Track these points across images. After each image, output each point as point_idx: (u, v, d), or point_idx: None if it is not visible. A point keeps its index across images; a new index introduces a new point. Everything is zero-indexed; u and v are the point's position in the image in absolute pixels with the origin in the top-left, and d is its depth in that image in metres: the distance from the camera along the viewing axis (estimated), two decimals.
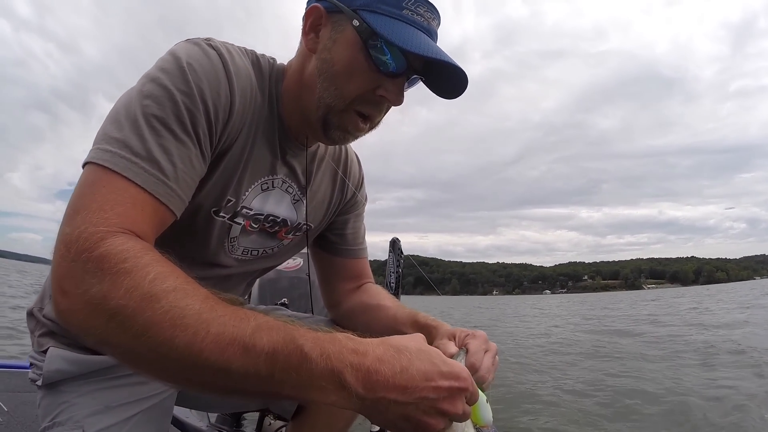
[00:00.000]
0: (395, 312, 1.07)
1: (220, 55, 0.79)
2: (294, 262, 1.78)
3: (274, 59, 0.95)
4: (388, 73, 0.83)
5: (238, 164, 0.86)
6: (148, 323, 0.52)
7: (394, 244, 2.55)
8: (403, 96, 0.87)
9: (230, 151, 0.84)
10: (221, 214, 0.88)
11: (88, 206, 0.62)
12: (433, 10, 0.85)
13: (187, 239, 0.88)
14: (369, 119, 0.89)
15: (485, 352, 0.80)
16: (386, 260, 2.68)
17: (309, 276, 1.31)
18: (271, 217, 0.98)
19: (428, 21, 0.83)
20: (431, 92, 0.92)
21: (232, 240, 0.94)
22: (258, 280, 1.71)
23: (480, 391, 0.64)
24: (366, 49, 0.81)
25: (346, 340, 0.54)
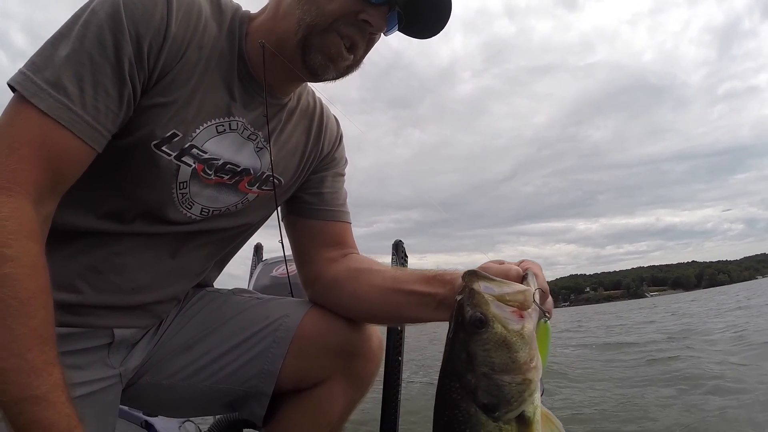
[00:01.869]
0: (394, 272, 0.98)
1: None
2: (290, 268, 1.47)
3: (238, 5, 0.92)
4: (371, 0, 0.81)
5: (180, 93, 0.80)
6: None
7: (398, 246, 2.16)
8: (385, 22, 0.85)
9: (168, 77, 0.79)
10: (164, 148, 0.81)
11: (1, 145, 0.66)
12: None
13: (129, 182, 0.82)
14: (351, 49, 0.86)
15: None
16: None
17: (282, 243, 1.11)
18: (229, 165, 0.90)
19: None
20: (410, 36, 0.94)
21: (182, 186, 0.85)
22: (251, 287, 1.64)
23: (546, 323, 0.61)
24: None
25: None
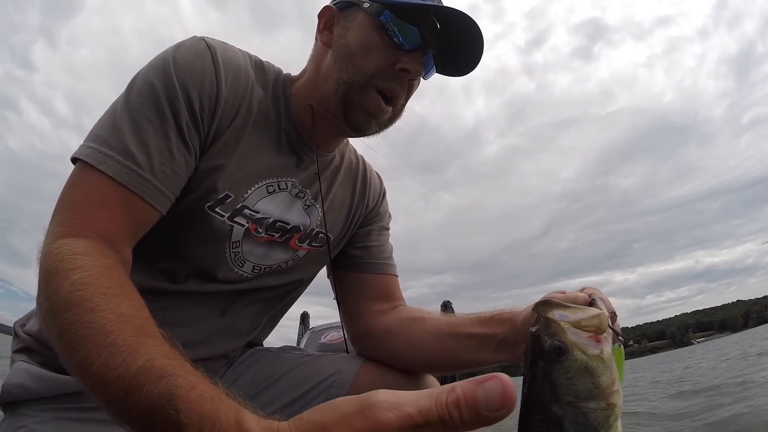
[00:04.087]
0: (448, 318, 0.96)
1: (209, 46, 0.81)
2: (338, 334, 1.62)
3: (280, 68, 0.96)
4: (404, 48, 0.84)
5: (232, 155, 0.83)
6: (61, 330, 0.52)
7: (446, 306, 2.18)
8: (422, 67, 0.87)
9: (221, 140, 0.82)
10: (217, 210, 0.84)
11: (62, 207, 0.67)
12: None
13: (183, 242, 0.84)
14: (391, 100, 0.88)
15: None
16: None
17: (337, 300, 1.10)
18: (279, 223, 0.92)
19: None
20: (448, 76, 0.96)
21: (235, 246, 0.87)
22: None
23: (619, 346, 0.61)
24: (379, 25, 0.84)
25: (234, 427, 0.41)
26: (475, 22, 0.84)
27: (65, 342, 0.51)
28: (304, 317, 2.04)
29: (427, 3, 0.84)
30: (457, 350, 0.91)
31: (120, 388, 0.45)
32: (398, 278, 1.11)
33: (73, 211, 0.65)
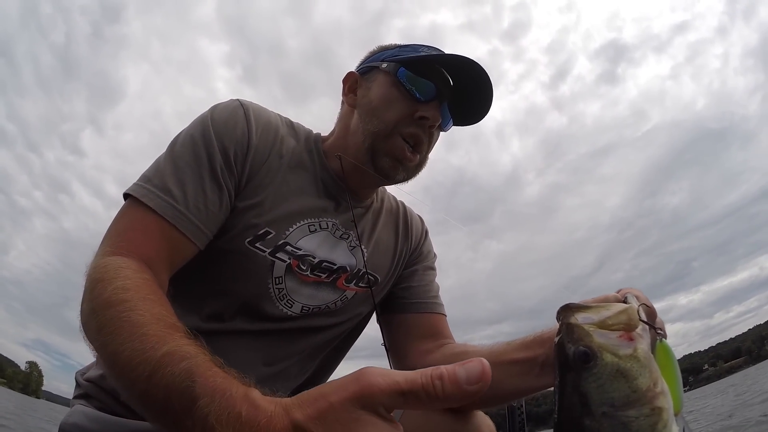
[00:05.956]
0: (492, 347, 0.92)
1: (242, 104, 0.92)
2: None
3: (310, 129, 1.05)
4: (421, 99, 0.92)
5: (267, 194, 0.89)
6: (100, 325, 0.58)
7: None
8: (439, 114, 0.93)
9: (254, 181, 0.89)
10: (258, 245, 0.87)
11: (110, 233, 0.76)
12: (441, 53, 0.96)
13: (227, 279, 0.88)
14: (416, 148, 0.94)
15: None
16: None
17: (386, 346, 1.08)
18: (325, 263, 0.94)
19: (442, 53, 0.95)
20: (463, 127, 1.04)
21: (278, 281, 0.89)
22: None
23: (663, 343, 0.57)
24: (397, 81, 0.93)
25: (242, 398, 0.46)
26: (481, 67, 0.92)
27: (103, 334, 0.57)
28: None
29: (436, 54, 0.93)
30: (500, 379, 0.84)
31: (146, 369, 0.50)
32: (446, 317, 1.10)
33: (119, 236, 0.74)
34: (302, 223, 0.92)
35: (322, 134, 1.05)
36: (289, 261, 0.91)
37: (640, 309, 0.56)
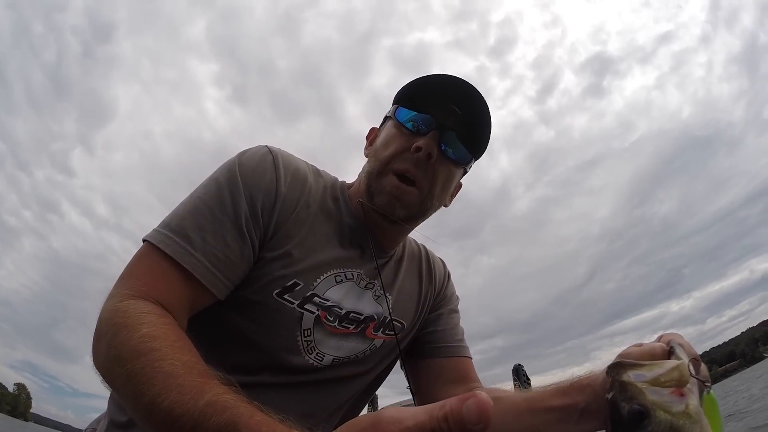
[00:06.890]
0: (524, 394, 0.91)
1: (271, 151, 0.90)
2: None
3: (336, 177, 1.05)
4: (417, 132, 0.92)
5: (295, 245, 0.88)
6: (129, 374, 0.57)
7: (518, 371, 2.07)
8: (435, 143, 0.91)
9: (282, 232, 0.87)
10: (286, 297, 0.86)
11: (127, 275, 0.76)
12: None
13: (254, 332, 0.86)
14: (412, 182, 0.92)
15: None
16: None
17: (411, 390, 1.09)
18: (352, 314, 0.94)
19: None
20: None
21: (306, 334, 0.89)
22: None
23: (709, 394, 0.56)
24: (397, 121, 0.94)
25: None
26: (475, 89, 0.93)
27: (134, 384, 0.57)
28: (372, 400, 1.94)
29: (431, 82, 0.94)
30: (538, 427, 0.86)
31: (188, 421, 0.51)
32: (472, 360, 1.09)
33: (138, 279, 0.73)
34: (329, 273, 0.91)
35: (347, 182, 1.06)
36: (317, 312, 0.89)
37: (690, 364, 0.58)
